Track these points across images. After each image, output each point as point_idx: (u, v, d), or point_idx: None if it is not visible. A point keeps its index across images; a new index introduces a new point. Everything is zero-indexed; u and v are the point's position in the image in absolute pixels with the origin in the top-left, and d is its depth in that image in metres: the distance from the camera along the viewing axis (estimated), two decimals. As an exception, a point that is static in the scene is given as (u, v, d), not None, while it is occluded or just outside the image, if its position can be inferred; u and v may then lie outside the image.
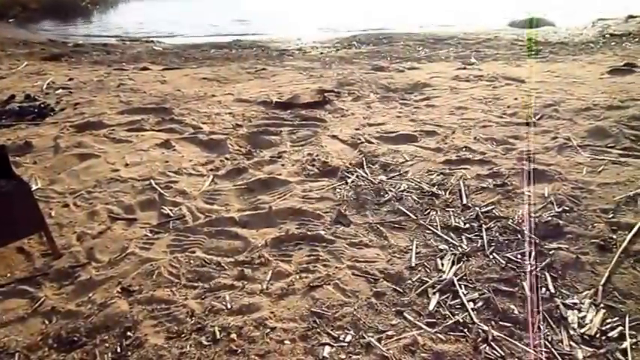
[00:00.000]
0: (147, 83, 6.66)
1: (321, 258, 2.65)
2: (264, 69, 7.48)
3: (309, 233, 2.86)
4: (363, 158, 3.81)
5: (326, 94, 5.43)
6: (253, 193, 3.46)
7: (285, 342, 2.10)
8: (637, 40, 7.44)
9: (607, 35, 7.85)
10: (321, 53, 8.00)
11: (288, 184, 3.51)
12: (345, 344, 2.07)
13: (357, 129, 4.46)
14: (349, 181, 3.47)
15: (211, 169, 3.85)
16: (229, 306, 2.32)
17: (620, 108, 4.44)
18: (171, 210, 3.23)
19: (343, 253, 2.68)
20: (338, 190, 3.37)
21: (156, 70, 7.84)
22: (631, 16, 8.95)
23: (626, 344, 1.97)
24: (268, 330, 2.16)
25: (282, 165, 3.84)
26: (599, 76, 5.67)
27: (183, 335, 2.17)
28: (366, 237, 2.83)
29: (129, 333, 2.19)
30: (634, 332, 2.05)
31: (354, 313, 2.23)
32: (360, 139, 4.19)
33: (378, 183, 3.40)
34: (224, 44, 10.49)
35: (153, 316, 2.29)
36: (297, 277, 2.51)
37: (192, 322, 2.24)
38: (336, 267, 2.57)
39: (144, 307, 2.35)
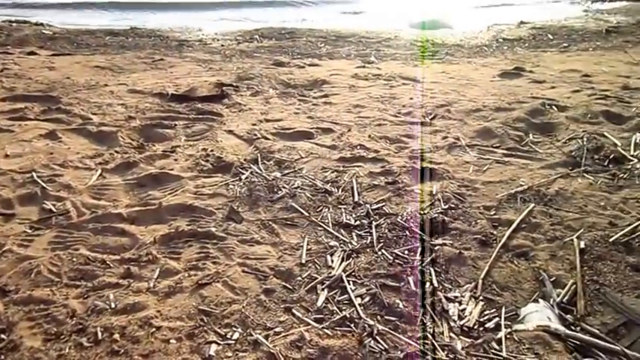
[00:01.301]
0: (33, 69, 6.24)
1: (211, 255, 2.59)
2: (161, 59, 7.23)
3: (199, 230, 2.80)
4: (259, 154, 3.78)
5: (224, 88, 5.34)
6: (144, 188, 3.33)
7: (171, 341, 2.03)
8: (527, 45, 7.94)
9: (500, 39, 8.31)
10: (222, 46, 7.86)
11: (180, 179, 3.41)
12: (232, 342, 2.03)
13: (254, 124, 4.42)
14: (243, 177, 3.43)
15: (100, 163, 3.66)
16: (113, 305, 2.22)
17: (507, 110, 4.69)
18: (54, 205, 3.04)
19: (234, 250, 2.64)
20: (231, 186, 3.32)
21: (44, 55, 7.36)
22: (523, 22, 9.54)
23: (501, 334, 2.07)
24: (153, 329, 2.08)
25: (175, 160, 3.73)
26: (491, 79, 5.99)
27: (62, 337, 2.04)
28: (257, 234, 2.81)
29: (2, 336, 2.04)
30: (509, 322, 2.17)
31: (243, 310, 2.20)
32: (256, 135, 4.16)
33: (272, 179, 3.38)
34: (120, 31, 10.02)
35: (30, 318, 2.15)
36: (186, 274, 2.45)
37: (73, 322, 2.12)
38: (226, 264, 2.53)
39: (20, 307, 2.20)
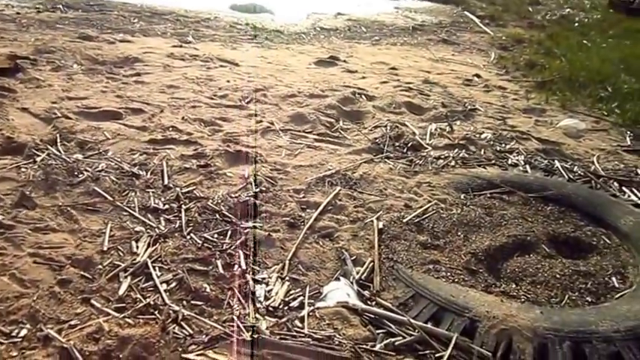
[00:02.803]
0: None
1: (-4, 246, 2.32)
2: (-59, 26, 6.26)
3: (-18, 219, 2.49)
4: (58, 135, 3.45)
5: (19, 61, 4.78)
6: None
7: (-59, 347, 1.78)
8: (342, 35, 8.27)
9: (318, 28, 8.57)
10: (18, 14, 7.01)
11: (-42, 161, 3.00)
12: (19, 340, 1.84)
13: (53, 102, 4.02)
14: (38, 159, 3.11)
15: None
16: None
17: (321, 97, 4.86)
18: None
19: (24, 240, 2.39)
20: (24, 169, 2.99)
21: None
22: (340, 14, 9.94)
23: (304, 312, 2.15)
24: None
25: (-47, 140, 3.26)
26: (307, 66, 6.14)
27: None
28: (53, 221, 2.57)
29: None
30: (312, 301, 2.25)
31: (33, 304, 2.00)
32: (56, 114, 3.78)
33: (72, 162, 3.12)
34: None
35: None
36: (-36, 269, 2.16)
37: None
38: (15, 255, 2.28)
39: None
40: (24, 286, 2.11)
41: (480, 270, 2.57)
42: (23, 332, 1.88)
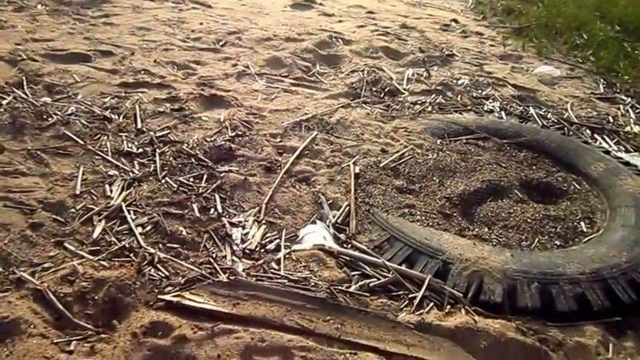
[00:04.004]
0: None
1: (-35, 191, 2.26)
2: None
3: (-52, 163, 2.42)
4: (24, 77, 3.33)
5: (-21, 1, 4.56)
6: None
7: None
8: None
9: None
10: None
11: None
12: (-9, 284, 1.82)
13: (18, 44, 3.85)
14: (4, 102, 3.00)
15: None
16: None
17: (297, 40, 4.76)
18: None
19: (-7, 183, 2.34)
20: (-10, 112, 2.90)
21: None
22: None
23: (281, 254, 2.16)
24: None
25: None
26: (282, 9, 5.98)
27: None
28: (23, 165, 2.51)
29: None
30: (288, 244, 2.26)
31: (4, 247, 1.97)
32: (21, 56, 3.64)
33: (40, 105, 3.02)
34: None
35: None
36: None
37: None
38: (-16, 200, 2.23)
39: None
40: (-6, 229, 2.08)
41: (454, 214, 2.61)
42: (-5, 276, 1.86)
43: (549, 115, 3.81)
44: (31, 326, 1.65)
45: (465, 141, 3.30)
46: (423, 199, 2.71)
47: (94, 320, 1.76)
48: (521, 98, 4.09)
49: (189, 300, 1.83)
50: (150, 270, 1.96)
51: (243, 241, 2.24)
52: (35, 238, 2.07)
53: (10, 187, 2.33)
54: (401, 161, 2.98)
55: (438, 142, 3.27)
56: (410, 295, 2.01)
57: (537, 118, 3.73)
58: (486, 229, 2.52)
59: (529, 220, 2.58)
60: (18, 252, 1.98)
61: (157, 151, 2.78)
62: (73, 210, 2.27)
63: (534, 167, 3.06)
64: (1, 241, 2.01)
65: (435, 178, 2.87)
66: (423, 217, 2.53)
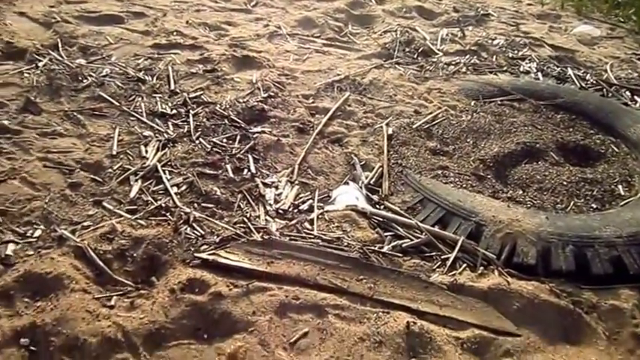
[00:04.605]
0: None
1: (4, 150, 2.32)
2: None
3: (-11, 124, 2.47)
4: (59, 39, 3.37)
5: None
6: None
7: (-42, 246, 1.82)
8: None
9: None
10: None
11: (-40, 67, 2.94)
12: (34, 240, 1.88)
13: (52, 6, 3.88)
14: (41, 64, 3.05)
15: None
16: None
17: (329, 0, 4.68)
18: None
19: (32, 144, 2.39)
20: (26, 74, 2.94)
21: None
22: None
23: (314, 215, 2.18)
24: (-64, 237, 1.84)
25: (-46, 45, 3.19)
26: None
27: None
28: (60, 126, 2.56)
29: None
30: (321, 204, 2.28)
31: (45, 206, 2.03)
32: (55, 18, 3.67)
33: (76, 67, 3.06)
34: None
35: None
36: (-25, 174, 2.17)
37: None
38: (24, 159, 2.29)
39: None
40: (35, 189, 2.13)
41: (488, 176, 2.58)
42: (37, 233, 1.92)
43: (588, 77, 3.69)
44: (73, 282, 1.70)
45: (499, 102, 3.24)
46: (457, 160, 2.68)
47: (133, 277, 1.81)
48: (558, 59, 3.97)
49: (225, 258, 1.87)
50: (186, 229, 2.00)
51: (276, 202, 2.26)
52: (74, 197, 2.12)
53: (48, 148, 2.39)
54: (434, 123, 2.94)
55: (472, 103, 3.22)
56: (442, 257, 2.01)
57: (575, 80, 3.62)
58: (521, 192, 2.49)
59: (565, 183, 2.54)
60: (58, 211, 2.03)
61: (191, 112, 2.80)
62: (110, 170, 2.31)
63: (571, 129, 2.99)
64: (42, 200, 2.07)
65: (468, 140, 2.83)
66: (457, 179, 2.51)
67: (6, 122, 2.49)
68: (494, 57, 3.92)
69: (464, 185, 2.47)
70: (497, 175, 2.61)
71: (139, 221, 2.01)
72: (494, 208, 2.22)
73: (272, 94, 3.08)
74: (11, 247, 1.82)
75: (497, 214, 2.16)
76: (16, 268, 1.74)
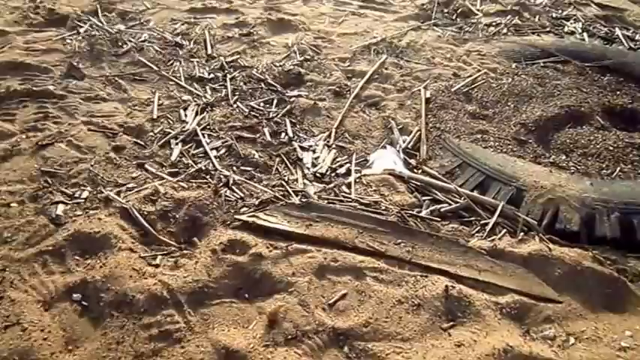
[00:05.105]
0: None
1: (51, 115, 2.38)
2: None
3: (35, 89, 2.53)
4: (98, 5, 3.40)
5: None
6: (-39, 44, 2.90)
7: (12, 204, 1.89)
8: None
9: None
10: None
11: (6, 34, 2.99)
12: (82, 200, 1.94)
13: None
14: (82, 30, 3.09)
15: None
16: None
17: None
18: None
19: (77, 109, 2.44)
20: (69, 40, 2.99)
21: None
22: None
23: (351, 178, 2.18)
24: (-9, 194, 1.91)
25: (-2, 11, 3.25)
26: None
27: None
28: (103, 91, 2.61)
29: None
30: (358, 168, 2.28)
31: (91, 169, 2.08)
32: (94, -16, 3.71)
33: (115, 33, 3.09)
34: None
35: None
36: (24, 136, 2.23)
37: None
38: (70, 123, 2.34)
39: None
40: (81, 152, 2.19)
41: (530, 141, 2.53)
42: (85, 194, 1.97)
43: (638, 37, 3.55)
44: (120, 241, 1.76)
45: (542, 65, 3.15)
46: (497, 124, 2.63)
47: (176, 237, 1.85)
48: (606, 18, 3.82)
49: (264, 220, 1.89)
50: (225, 191, 2.02)
51: (313, 165, 2.27)
52: (118, 160, 2.17)
53: (92, 112, 2.44)
54: (474, 86, 2.88)
55: (514, 65, 3.13)
56: (482, 222, 2.00)
57: (624, 40, 3.48)
58: (564, 157, 2.44)
59: (611, 148, 2.47)
60: (104, 173, 2.08)
61: (228, 76, 2.81)
62: (151, 134, 2.35)
63: (619, 92, 2.89)
64: (88, 162, 2.12)
65: (509, 104, 2.77)
66: (497, 143, 2.47)
67: (51, 87, 2.54)
68: (537, 17, 3.79)
69: (504, 150, 2.43)
70: (539, 139, 2.55)
71: (181, 183, 2.05)
72: (535, 173, 2.18)
73: (308, 57, 3.06)
74: (61, 207, 1.88)
75: (539, 180, 2.13)
76: (66, 227, 1.80)
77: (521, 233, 1.94)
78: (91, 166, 2.10)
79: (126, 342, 1.48)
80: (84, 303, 1.57)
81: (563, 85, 2.91)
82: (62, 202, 1.91)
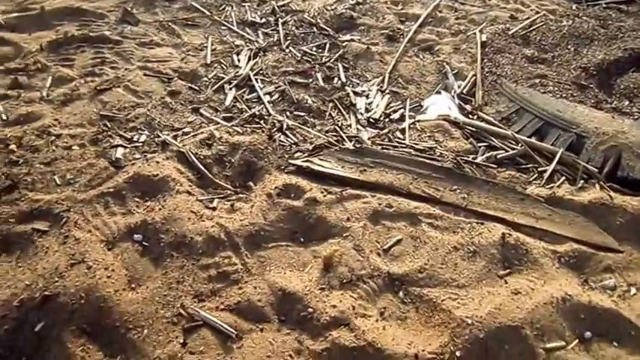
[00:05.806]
0: None
1: (107, 60, 2.42)
2: None
3: (91, 35, 2.57)
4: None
5: None
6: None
7: (74, 148, 1.95)
8: None
9: None
10: None
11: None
12: (140, 144, 1.99)
13: None
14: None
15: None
16: (4, 117, 2.06)
17: None
18: None
19: (133, 54, 2.47)
20: (120, -16, 3.00)
21: None
22: None
23: (405, 124, 2.16)
24: (53, 137, 1.98)
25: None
26: None
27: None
28: (157, 36, 2.62)
29: None
30: (412, 114, 2.25)
31: (148, 113, 2.12)
32: None
33: (166, -23, 3.08)
34: None
35: None
36: (82, 81, 2.29)
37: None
38: (126, 68, 2.38)
39: None
40: (138, 96, 2.23)
41: (591, 85, 2.43)
42: (143, 138, 2.02)
43: None
44: (178, 184, 1.80)
45: (604, 5, 3.00)
46: (556, 69, 2.53)
47: (232, 181, 1.88)
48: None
49: (318, 165, 1.90)
50: (279, 136, 2.04)
51: (367, 111, 2.25)
52: (174, 104, 2.20)
53: (147, 57, 2.46)
54: (532, 28, 2.77)
55: (574, 6, 3.00)
56: (540, 169, 1.96)
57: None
58: (627, 102, 2.34)
59: (678, 94, 2.36)
60: (160, 117, 2.12)
61: (280, 20, 2.78)
62: (205, 79, 2.37)
63: (689, 34, 2.73)
64: (144, 107, 2.16)
65: (569, 47, 2.66)
66: (556, 88, 2.38)
67: (107, 33, 2.57)
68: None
69: (564, 95, 2.35)
70: (600, 84, 2.46)
71: (235, 128, 2.07)
72: (597, 119, 2.11)
73: (360, 0, 2.98)
74: (120, 150, 1.93)
75: (601, 126, 2.06)
76: (125, 170, 1.85)
77: (581, 181, 1.89)
78: (148, 110, 2.14)
79: (186, 282, 1.53)
80: (145, 243, 1.63)
81: (626, 26, 2.77)
82: (121, 146, 1.97)
